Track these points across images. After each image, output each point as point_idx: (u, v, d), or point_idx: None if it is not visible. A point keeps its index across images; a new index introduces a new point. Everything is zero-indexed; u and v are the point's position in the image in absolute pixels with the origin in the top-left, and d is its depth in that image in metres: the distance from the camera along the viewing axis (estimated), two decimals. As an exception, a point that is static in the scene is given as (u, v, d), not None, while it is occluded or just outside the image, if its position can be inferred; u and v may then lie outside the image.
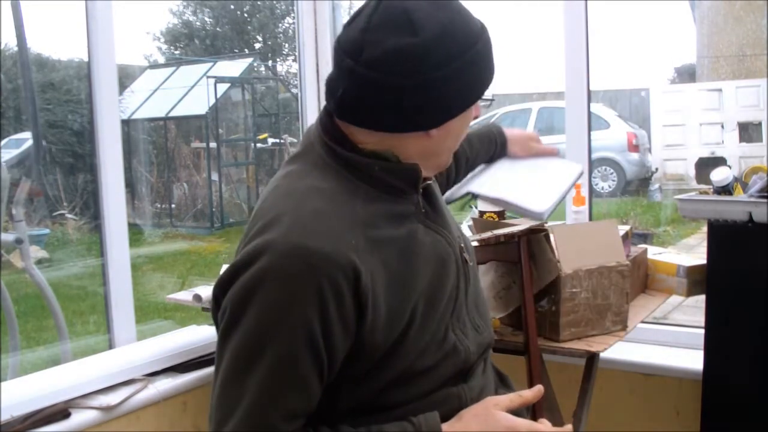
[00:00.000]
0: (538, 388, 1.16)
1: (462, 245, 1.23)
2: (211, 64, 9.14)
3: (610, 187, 9.16)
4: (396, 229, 1.10)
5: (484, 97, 1.14)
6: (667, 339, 2.12)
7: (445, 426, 1.09)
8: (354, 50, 1.04)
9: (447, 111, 1.09)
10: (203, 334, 1.98)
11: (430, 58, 1.03)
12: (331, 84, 1.10)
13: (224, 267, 2.01)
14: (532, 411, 1.39)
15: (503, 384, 1.33)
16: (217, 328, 1.08)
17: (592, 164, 2.67)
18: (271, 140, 8.95)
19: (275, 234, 1.02)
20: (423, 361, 1.11)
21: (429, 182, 1.20)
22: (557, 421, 1.73)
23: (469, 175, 1.69)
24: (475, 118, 1.17)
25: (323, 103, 1.29)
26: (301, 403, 1.02)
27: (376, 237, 1.06)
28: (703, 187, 1.98)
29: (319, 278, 0.99)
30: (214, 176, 8.20)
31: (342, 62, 1.06)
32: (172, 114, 8.43)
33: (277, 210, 1.05)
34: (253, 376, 1.00)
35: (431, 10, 1.05)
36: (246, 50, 12.01)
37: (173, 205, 8.39)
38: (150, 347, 1.91)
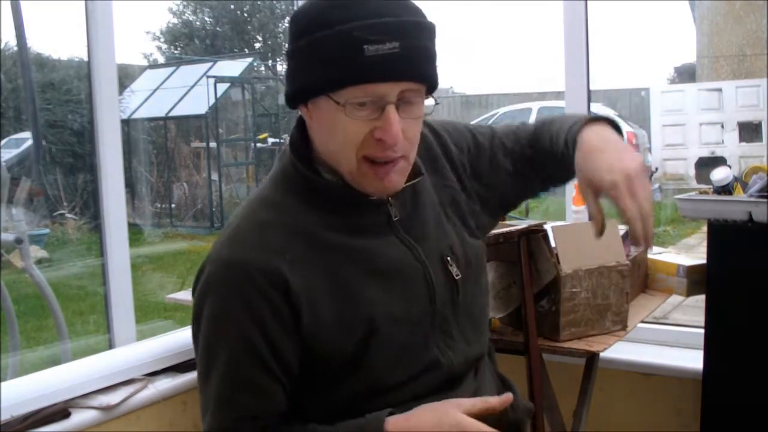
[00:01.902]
0: (506, 396, 1.12)
1: (450, 257, 1.18)
2: (211, 63, 9.15)
3: (610, 186, 9.14)
4: (352, 240, 1.10)
5: (332, 98, 1.03)
6: (667, 339, 2.12)
7: (396, 416, 1.07)
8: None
9: (295, 86, 1.07)
10: (203, 334, 1.99)
11: (296, 25, 1.07)
12: None
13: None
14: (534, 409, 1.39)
15: (505, 387, 1.31)
16: None
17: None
18: (271, 140, 8.96)
19: (217, 246, 1.09)
20: (395, 375, 1.11)
21: (412, 182, 1.15)
22: (557, 421, 1.73)
23: None
24: (379, 142, 1.04)
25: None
26: (258, 405, 1.07)
27: (323, 246, 1.08)
28: (703, 186, 1.98)
29: (248, 287, 1.03)
30: (214, 176, 8.20)
31: None
32: (172, 114, 8.44)
33: (230, 220, 1.13)
34: (210, 381, 1.07)
35: None
36: (246, 50, 12.03)
37: (173, 205, 8.40)
38: (150, 347, 1.91)
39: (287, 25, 1.17)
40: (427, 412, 1.07)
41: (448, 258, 1.17)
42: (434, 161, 1.23)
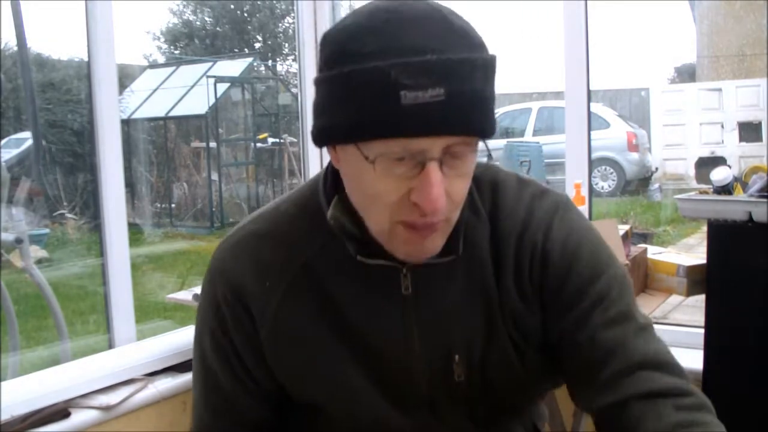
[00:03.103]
0: None
1: (459, 356, 0.96)
2: (211, 63, 9.14)
3: (609, 186, 9.16)
4: (349, 293, 0.96)
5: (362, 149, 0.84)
6: (667, 339, 2.10)
7: None
8: None
9: (323, 124, 0.87)
10: (203, 334, 1.99)
11: (322, 52, 0.87)
12: None
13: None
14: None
15: None
16: None
17: (592, 164, 2.67)
18: (271, 140, 8.96)
19: (218, 246, 1.07)
20: None
21: (439, 260, 0.93)
22: (557, 421, 1.73)
23: None
24: (415, 206, 0.84)
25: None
26: (231, 417, 1.04)
27: (314, 285, 0.96)
28: (703, 186, 1.98)
29: (214, 293, 1.02)
30: (214, 176, 8.20)
31: None
32: (172, 114, 8.43)
33: (243, 223, 1.07)
34: (194, 387, 1.09)
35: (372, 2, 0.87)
36: (246, 50, 12.02)
37: (173, 205, 8.39)
38: (150, 347, 1.91)
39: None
40: None
41: (456, 356, 0.96)
42: None
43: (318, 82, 0.87)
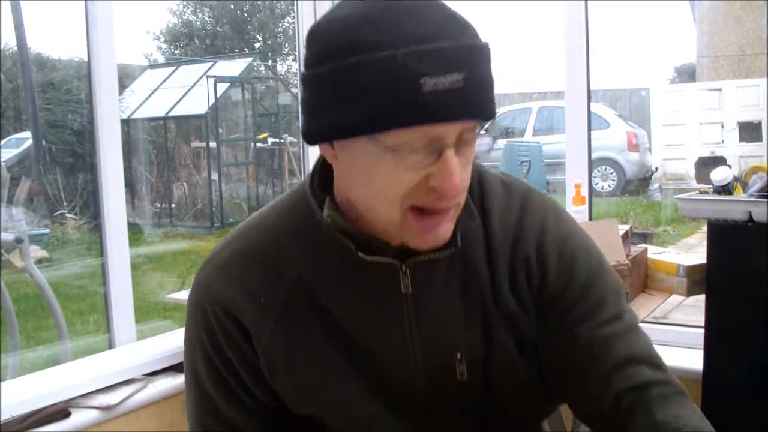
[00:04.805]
0: None
1: (461, 354, 0.95)
2: (211, 63, 9.14)
3: (609, 186, 9.16)
4: (341, 300, 0.94)
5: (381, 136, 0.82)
6: (667, 339, 2.12)
7: None
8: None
9: (316, 122, 0.86)
10: (203, 334, 1.99)
11: (312, 47, 0.85)
12: None
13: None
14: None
15: None
16: None
17: (592, 164, 2.67)
18: (271, 140, 8.96)
19: (203, 265, 1.03)
20: None
21: (435, 255, 0.92)
22: (557, 421, 1.73)
23: None
24: (433, 191, 0.85)
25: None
26: (223, 427, 1.02)
27: (306, 295, 0.94)
28: (703, 186, 1.98)
29: (204, 311, 0.98)
30: (214, 176, 8.20)
31: None
32: (172, 114, 8.43)
33: (229, 233, 1.04)
34: (187, 398, 1.06)
35: None
36: (246, 50, 12.01)
37: (173, 205, 8.39)
38: (150, 347, 1.91)
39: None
40: None
41: (458, 355, 0.95)
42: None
43: (311, 78, 0.84)
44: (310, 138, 0.88)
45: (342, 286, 0.94)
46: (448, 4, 0.87)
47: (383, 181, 0.85)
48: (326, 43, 0.83)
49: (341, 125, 0.83)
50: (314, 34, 0.86)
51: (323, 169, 0.95)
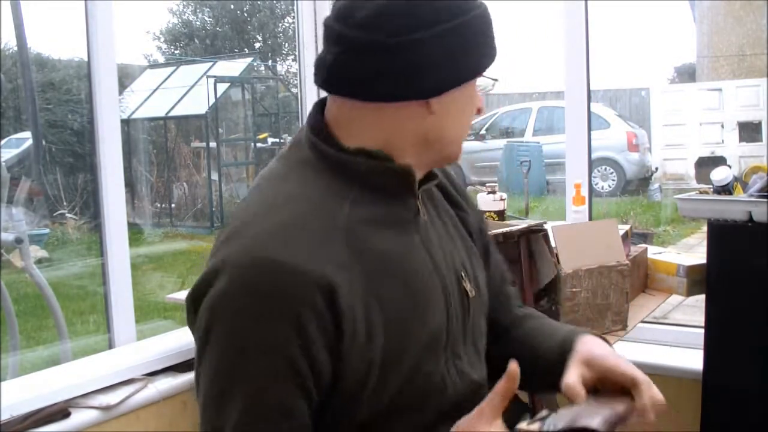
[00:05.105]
0: (511, 375, 0.92)
1: (464, 272, 1.09)
2: (211, 63, 9.14)
3: (610, 186, 9.17)
4: (383, 238, 0.99)
5: (486, 76, 1.05)
6: (667, 339, 2.12)
7: None
8: (344, 14, 0.98)
9: (439, 78, 0.99)
10: (203, 334, 1.99)
11: (415, 17, 0.96)
12: (320, 61, 1.02)
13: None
14: (532, 409, 1.39)
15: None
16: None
17: (592, 164, 2.67)
18: (271, 140, 8.96)
19: (236, 248, 0.92)
20: (402, 399, 0.98)
21: (433, 183, 1.10)
22: (551, 401, 1.73)
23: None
24: (478, 112, 1.07)
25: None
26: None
27: (361, 246, 0.96)
28: (703, 186, 1.98)
29: (291, 296, 0.89)
30: (214, 176, 8.20)
31: (332, 30, 1.00)
32: (172, 114, 8.43)
33: (244, 218, 0.97)
34: (230, 406, 0.91)
35: None
36: (246, 50, 12.01)
37: (173, 205, 8.39)
38: (150, 347, 1.91)
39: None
40: None
41: (462, 273, 1.08)
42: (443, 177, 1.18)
43: (428, 40, 0.97)
44: (428, 92, 1.00)
45: (379, 228, 1.00)
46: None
47: (470, 112, 1.06)
48: (426, 11, 0.97)
49: (468, 71, 1.02)
50: (395, 8, 0.97)
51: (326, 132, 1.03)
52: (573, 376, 1.01)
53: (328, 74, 1.00)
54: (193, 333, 0.98)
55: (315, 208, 0.96)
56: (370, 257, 0.96)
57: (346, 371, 0.93)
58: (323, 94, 1.07)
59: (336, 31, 0.99)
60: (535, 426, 0.90)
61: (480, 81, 1.05)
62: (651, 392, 1.02)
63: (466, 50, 1.00)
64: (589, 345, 1.09)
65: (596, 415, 0.95)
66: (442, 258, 1.06)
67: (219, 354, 0.92)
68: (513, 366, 0.91)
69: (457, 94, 1.01)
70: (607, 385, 1.04)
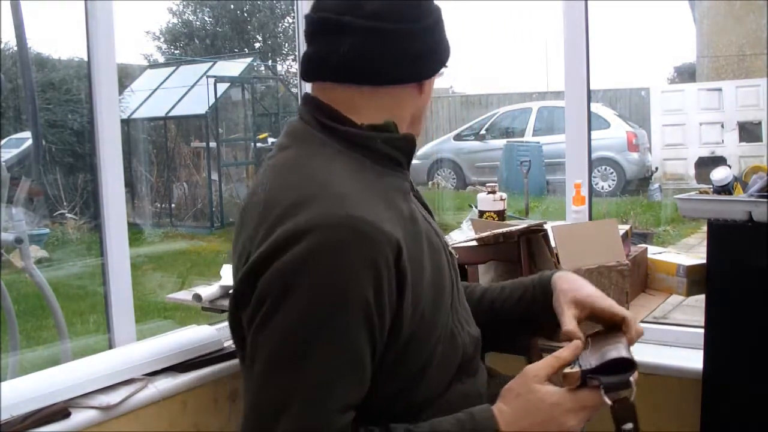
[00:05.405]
0: (576, 345, 1.08)
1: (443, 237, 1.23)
2: (211, 63, 9.15)
3: (609, 186, 9.17)
4: (406, 205, 1.10)
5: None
6: (667, 339, 2.12)
7: (503, 414, 1.04)
8: (350, 8, 1.07)
9: (434, 61, 1.15)
10: (203, 334, 1.98)
11: (419, 8, 1.12)
12: (319, 53, 1.10)
13: (225, 267, 1.98)
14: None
15: (490, 376, 1.29)
16: (236, 327, 1.05)
17: (592, 164, 2.67)
18: (271, 140, 8.96)
19: (315, 211, 0.97)
20: (435, 354, 1.07)
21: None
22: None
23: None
24: None
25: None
26: (358, 391, 0.98)
27: (398, 212, 1.06)
28: (703, 186, 1.98)
29: (374, 249, 0.96)
30: (214, 176, 8.20)
31: (334, 24, 1.07)
32: (172, 114, 8.44)
33: (301, 191, 1.01)
34: (307, 366, 0.94)
35: None
36: (246, 50, 12.02)
37: (173, 205, 8.40)
38: (150, 347, 1.91)
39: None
40: (513, 400, 1.05)
41: (447, 240, 1.23)
42: None
43: (431, 27, 1.13)
44: (427, 74, 1.15)
45: (400, 194, 1.11)
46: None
47: (430, 98, 1.19)
48: (423, 3, 1.13)
49: (446, 55, 1.17)
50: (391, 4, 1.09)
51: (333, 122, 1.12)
52: (571, 323, 1.15)
53: (340, 65, 1.08)
54: (249, 308, 0.99)
55: (358, 180, 1.05)
56: (405, 222, 1.06)
57: (402, 326, 1.01)
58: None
59: (346, 22, 1.06)
60: (576, 368, 1.03)
61: None
62: (636, 326, 1.15)
63: (444, 38, 1.16)
64: (570, 283, 1.22)
65: (615, 347, 1.06)
66: (435, 225, 1.19)
67: (304, 308, 0.95)
68: (576, 345, 1.07)
69: (431, 79, 1.17)
70: (598, 321, 1.19)
